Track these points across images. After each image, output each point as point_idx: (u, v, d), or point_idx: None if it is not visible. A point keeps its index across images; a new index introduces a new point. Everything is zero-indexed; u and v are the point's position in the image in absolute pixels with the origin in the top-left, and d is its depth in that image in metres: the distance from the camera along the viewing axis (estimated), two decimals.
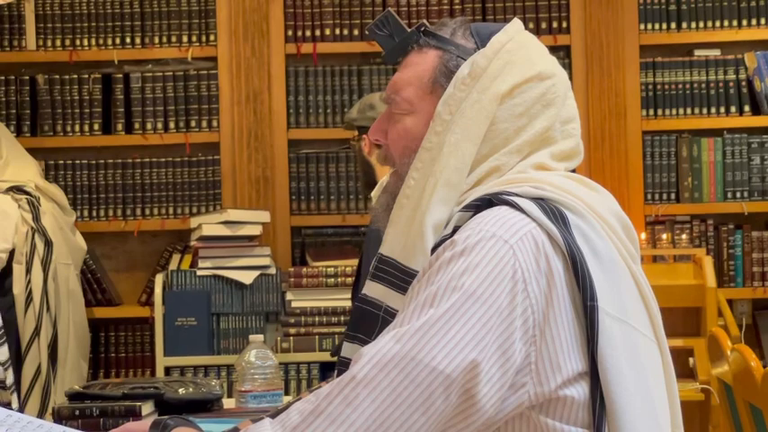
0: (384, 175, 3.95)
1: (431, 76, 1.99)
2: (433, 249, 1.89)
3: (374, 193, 3.97)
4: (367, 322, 1.96)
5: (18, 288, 4.57)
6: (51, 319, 4.63)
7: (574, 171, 2.04)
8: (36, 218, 4.68)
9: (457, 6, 5.30)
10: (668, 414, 1.94)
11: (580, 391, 1.82)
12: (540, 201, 1.89)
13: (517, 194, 1.89)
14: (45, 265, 4.64)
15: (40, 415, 4.33)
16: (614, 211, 1.99)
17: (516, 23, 2.04)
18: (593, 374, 1.82)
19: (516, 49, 1.99)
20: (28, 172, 4.89)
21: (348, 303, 4.82)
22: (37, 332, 4.57)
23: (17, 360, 4.55)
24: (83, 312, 4.92)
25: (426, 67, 2.00)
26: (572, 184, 1.96)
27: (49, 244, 4.66)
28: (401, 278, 1.93)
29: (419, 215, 1.93)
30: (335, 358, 4.05)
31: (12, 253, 4.60)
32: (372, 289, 1.98)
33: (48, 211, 4.77)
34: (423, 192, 1.94)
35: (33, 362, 4.56)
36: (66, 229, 4.87)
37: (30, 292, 4.58)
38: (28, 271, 4.60)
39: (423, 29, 2.03)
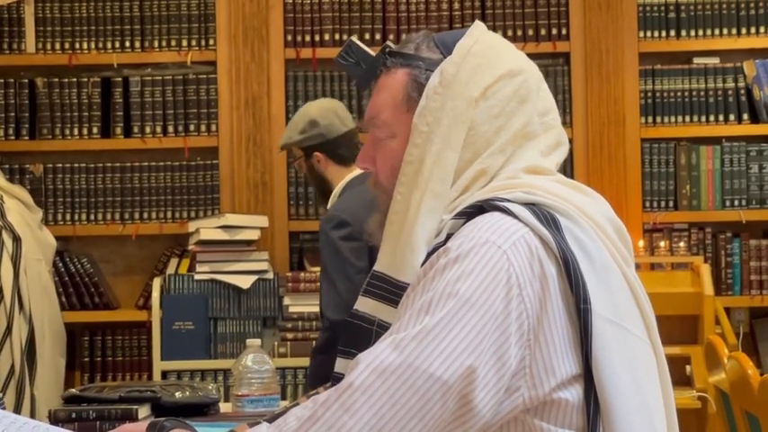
0: (340, 183, 4.00)
1: (403, 95, 2.00)
2: (426, 257, 1.89)
3: (330, 203, 4.02)
4: (360, 337, 1.96)
5: None
6: (26, 317, 4.60)
7: (571, 170, 2.05)
8: (1, 215, 4.67)
9: (456, 13, 5.31)
10: (664, 416, 1.95)
11: (574, 393, 1.83)
12: (531, 206, 1.89)
13: (509, 200, 1.89)
14: (15, 260, 4.61)
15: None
16: (607, 216, 1.99)
17: (479, 26, 2.05)
18: (588, 377, 1.83)
19: (483, 51, 1.99)
20: None
21: None
22: (8, 330, 4.54)
23: None
24: (57, 308, 4.89)
25: (397, 86, 2.01)
26: (564, 189, 1.96)
27: (17, 240, 4.64)
28: (393, 292, 1.94)
29: (407, 228, 1.93)
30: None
31: None
32: (364, 304, 1.98)
33: (12, 209, 4.74)
34: (409, 205, 1.94)
35: (6, 361, 4.53)
36: (33, 226, 4.84)
37: (0, 290, 4.56)
38: None
39: (387, 50, 2.04)
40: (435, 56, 2.00)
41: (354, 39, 2.10)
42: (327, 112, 4.09)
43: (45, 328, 4.73)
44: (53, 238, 4.96)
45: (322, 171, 4.09)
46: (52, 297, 4.85)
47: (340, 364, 1.99)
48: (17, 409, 4.40)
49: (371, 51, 2.07)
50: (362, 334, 1.96)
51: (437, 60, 1.99)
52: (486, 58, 1.98)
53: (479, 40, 2.00)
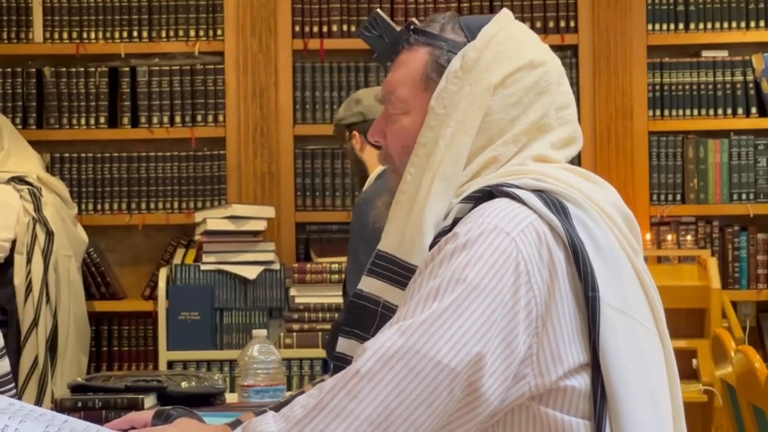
0: (376, 168, 3.96)
1: (423, 73, 1.99)
2: (434, 241, 1.89)
3: (365, 188, 3.98)
4: (364, 318, 1.95)
5: (19, 278, 4.57)
6: (51, 311, 4.63)
7: (579, 163, 2.04)
8: (37, 208, 4.68)
9: (465, 4, 5.29)
10: (670, 404, 1.94)
11: (581, 381, 1.82)
12: (540, 192, 1.88)
13: (517, 186, 1.88)
14: (46, 255, 4.63)
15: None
16: (616, 204, 1.98)
17: (506, 14, 2.03)
18: (595, 365, 1.82)
19: (506, 39, 1.98)
20: (30, 163, 4.89)
21: None
22: (35, 323, 4.57)
23: (17, 351, 4.54)
24: (83, 305, 4.91)
25: (418, 64, 1.99)
26: (573, 176, 1.95)
27: (50, 234, 4.66)
28: (400, 273, 1.92)
29: (417, 209, 1.92)
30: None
31: (13, 243, 4.61)
32: (369, 284, 1.97)
33: (49, 203, 4.77)
34: (419, 186, 1.93)
35: (31, 353, 4.55)
36: (67, 221, 4.87)
37: (29, 283, 4.57)
38: (28, 261, 4.60)
39: (412, 27, 2.02)
40: (459, 38, 1.99)
41: (380, 11, 2.08)
42: (372, 94, 4.06)
43: (70, 325, 4.75)
44: (85, 235, 4.98)
45: (359, 153, 4.05)
46: (79, 294, 4.87)
47: (342, 345, 1.97)
48: (38, 403, 4.41)
49: (396, 26, 2.06)
50: (367, 314, 1.95)
51: (460, 43, 1.98)
52: (509, 47, 1.97)
53: (504, 28, 1.99)
